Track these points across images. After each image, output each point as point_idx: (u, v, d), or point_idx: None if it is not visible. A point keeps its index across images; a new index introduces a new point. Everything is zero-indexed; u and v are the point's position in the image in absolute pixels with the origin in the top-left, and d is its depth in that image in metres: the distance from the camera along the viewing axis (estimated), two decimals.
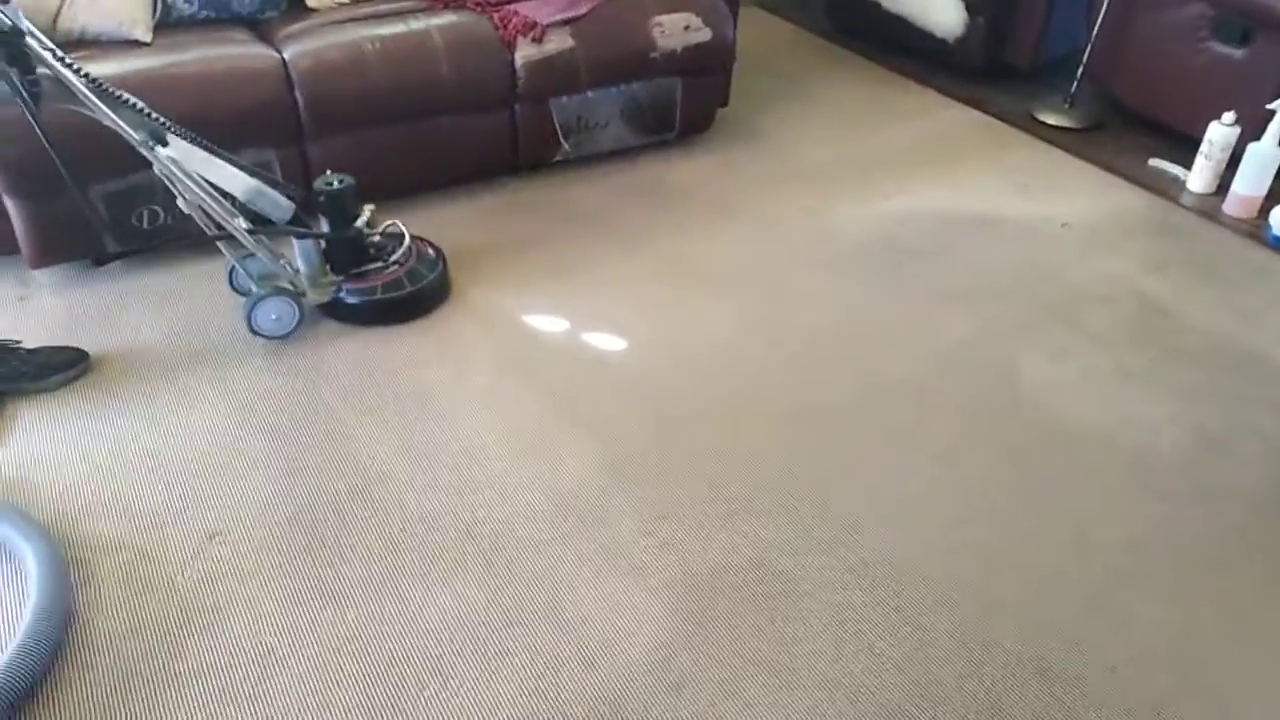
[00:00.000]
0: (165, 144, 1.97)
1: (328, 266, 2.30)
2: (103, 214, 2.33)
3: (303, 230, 2.21)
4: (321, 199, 2.23)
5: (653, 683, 1.53)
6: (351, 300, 2.29)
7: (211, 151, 2.04)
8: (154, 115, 1.96)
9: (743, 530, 1.80)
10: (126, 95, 1.93)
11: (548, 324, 2.34)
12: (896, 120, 3.38)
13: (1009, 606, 1.66)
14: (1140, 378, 2.19)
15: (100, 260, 2.48)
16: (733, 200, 2.87)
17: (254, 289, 2.22)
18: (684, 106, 3.01)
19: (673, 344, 2.28)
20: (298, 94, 2.45)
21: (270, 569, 1.71)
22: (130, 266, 2.49)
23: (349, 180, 2.25)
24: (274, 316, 2.22)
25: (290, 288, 2.25)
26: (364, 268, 2.30)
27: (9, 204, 2.27)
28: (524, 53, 2.68)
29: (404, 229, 2.38)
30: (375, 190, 2.66)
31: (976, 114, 3.40)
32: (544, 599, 1.67)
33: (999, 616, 1.65)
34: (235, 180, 2.06)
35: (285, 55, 2.47)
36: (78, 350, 2.17)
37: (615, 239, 2.67)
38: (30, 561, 1.64)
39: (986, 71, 3.52)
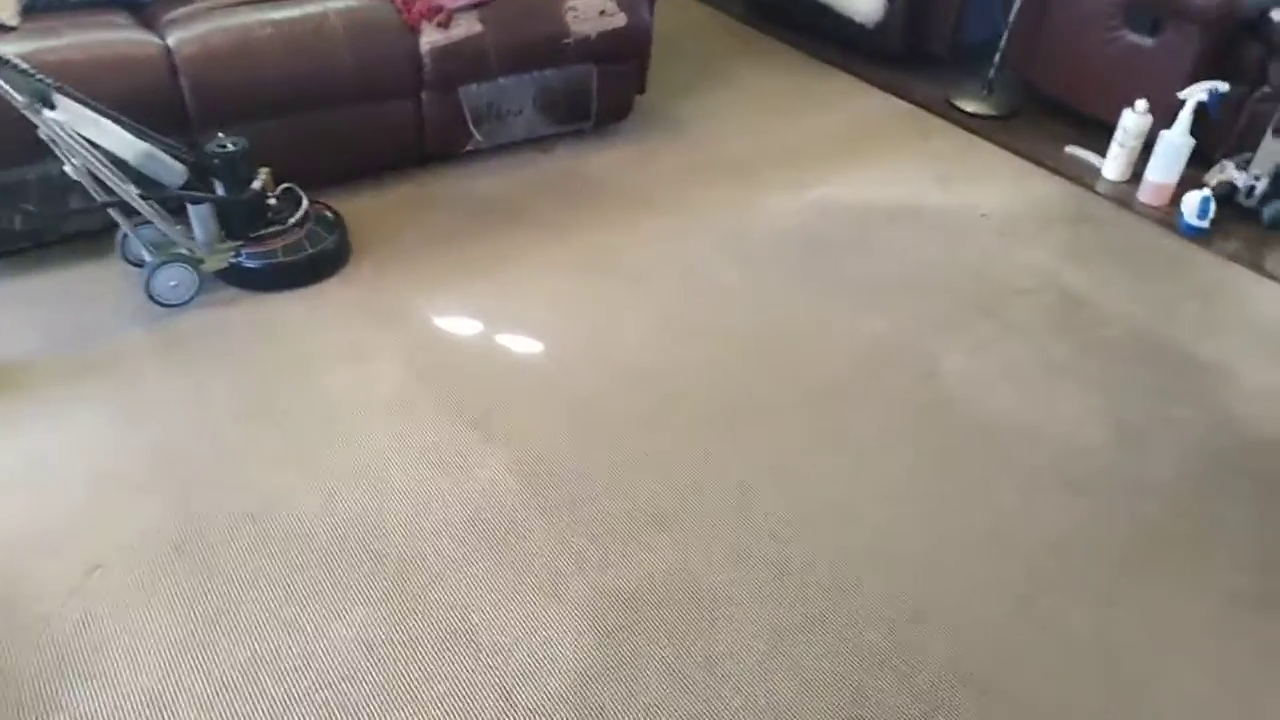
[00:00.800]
0: (52, 106, 1.89)
1: (224, 232, 2.23)
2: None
3: (197, 194, 2.14)
4: (215, 161, 2.15)
5: (572, 714, 1.45)
6: (251, 264, 2.23)
7: (101, 113, 1.95)
8: (40, 76, 1.87)
9: (663, 543, 1.73)
10: (7, 54, 1.87)
11: (458, 325, 2.23)
12: (817, 108, 3.33)
13: (937, 614, 1.63)
14: (1061, 370, 2.18)
15: None
16: (651, 192, 2.79)
17: (148, 258, 2.14)
18: (600, 94, 2.91)
19: (590, 345, 2.20)
20: (182, 83, 2.28)
21: (156, 604, 1.57)
22: (2, 270, 2.30)
23: (242, 142, 2.18)
24: (172, 284, 2.16)
25: (186, 254, 2.17)
26: (262, 231, 2.24)
27: None
28: (429, 39, 2.54)
29: (301, 191, 2.32)
30: (274, 183, 2.52)
31: (897, 101, 3.37)
32: (455, 625, 1.57)
33: (927, 625, 1.61)
34: (125, 144, 1.98)
35: (169, 41, 2.29)
36: None
37: (530, 233, 2.57)
38: None
39: (906, 58, 3.49)
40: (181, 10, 2.42)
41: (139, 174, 2.03)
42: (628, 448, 1.92)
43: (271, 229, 2.24)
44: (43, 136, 1.92)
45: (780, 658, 1.54)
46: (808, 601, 1.63)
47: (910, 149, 3.08)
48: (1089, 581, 1.71)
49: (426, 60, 2.56)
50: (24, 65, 1.86)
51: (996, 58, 3.23)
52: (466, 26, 2.58)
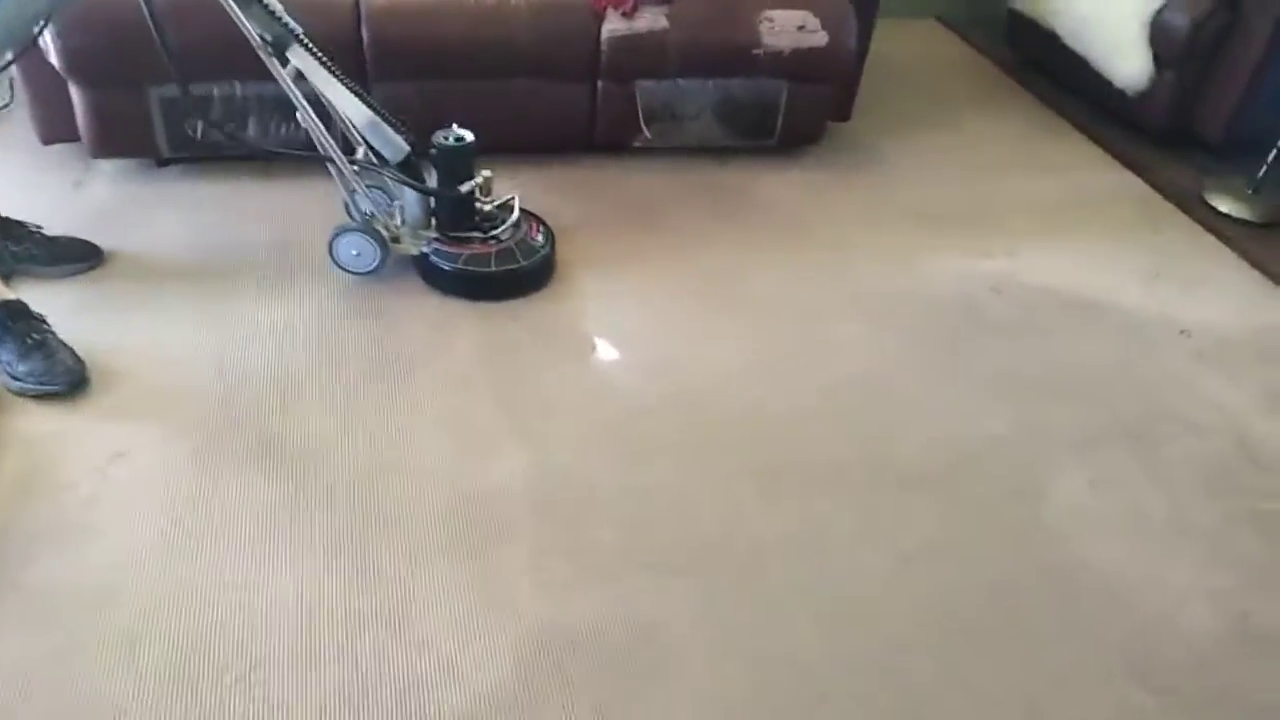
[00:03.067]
0: (284, 59, 1.89)
1: (432, 220, 2.19)
2: (160, 117, 2.37)
3: (402, 178, 2.09)
4: (434, 152, 2.12)
5: None
6: (434, 260, 2.17)
7: (334, 74, 1.95)
8: (285, 20, 1.86)
9: (644, 587, 1.58)
10: None
11: (548, 314, 2.18)
12: (1039, 170, 2.96)
13: None
14: (1194, 535, 1.78)
15: (162, 161, 2.53)
16: (813, 225, 2.60)
17: (348, 218, 2.16)
18: (787, 113, 2.74)
19: (665, 367, 2.07)
20: (364, 32, 2.39)
21: (165, 498, 1.66)
22: (190, 173, 2.52)
23: (468, 139, 2.13)
24: (354, 253, 2.14)
25: (382, 229, 2.14)
26: (464, 233, 2.17)
27: (72, 91, 2.33)
28: (611, 26, 2.50)
29: (518, 206, 2.25)
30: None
31: (1135, 181, 2.93)
32: (395, 607, 1.53)
33: None
34: (353, 108, 1.99)
35: None
36: (93, 246, 2.20)
37: (663, 240, 2.47)
38: None
39: (1164, 135, 3.02)
40: None
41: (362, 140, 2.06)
42: (657, 478, 1.79)
43: (474, 234, 2.18)
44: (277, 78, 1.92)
45: None
46: (775, 692, 1.43)
47: (1130, 237, 2.66)
48: None
49: (605, 48, 2.52)
50: (275, 6, 1.85)
51: (1272, 155, 2.72)
52: (651, 20, 2.51)
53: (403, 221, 2.18)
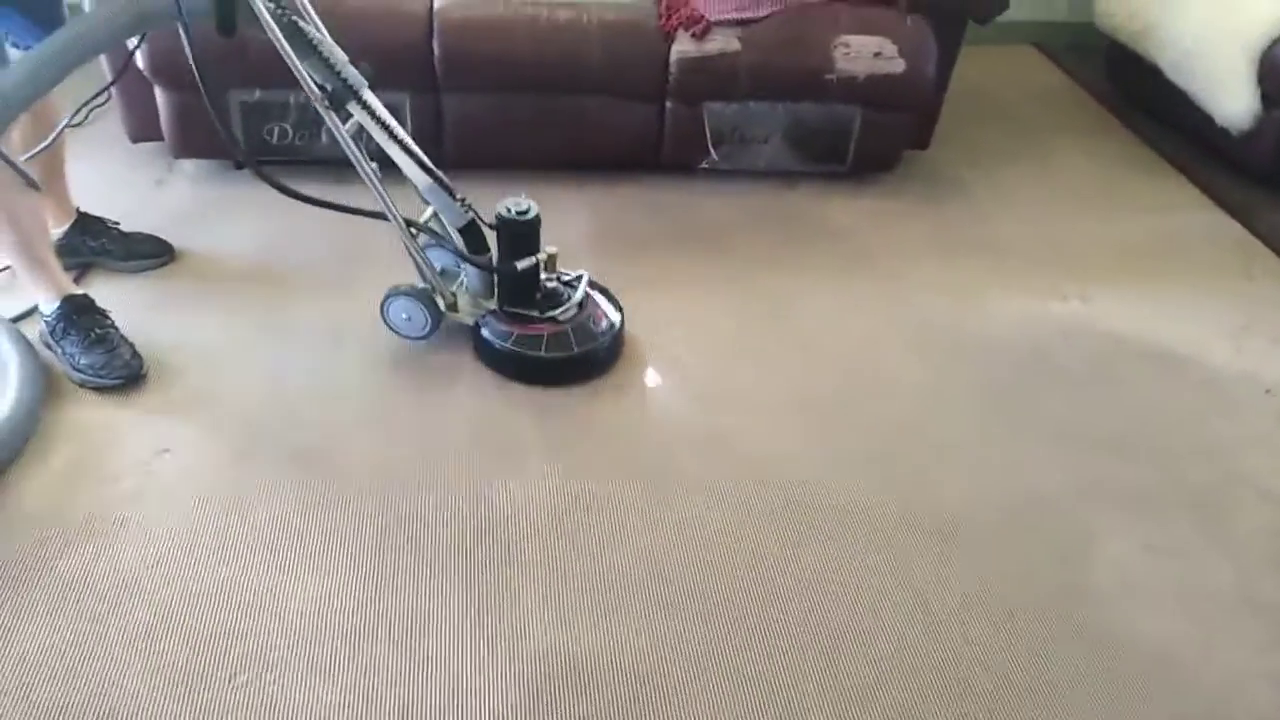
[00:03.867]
0: (342, 111, 1.74)
1: (494, 291, 2.04)
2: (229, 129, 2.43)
3: (456, 247, 1.94)
4: (495, 223, 1.96)
5: None
6: (484, 333, 2.02)
7: (395, 138, 1.80)
8: (346, 78, 1.71)
9: (655, 629, 1.55)
10: (320, 39, 1.68)
11: None
12: (1130, 211, 2.82)
13: None
14: (1259, 611, 1.66)
15: (239, 164, 2.62)
16: (878, 255, 2.52)
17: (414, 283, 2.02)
18: (860, 140, 2.67)
19: (715, 396, 2.03)
20: (435, 45, 2.42)
21: (201, 498, 1.71)
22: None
23: (533, 212, 1.94)
24: (405, 316, 2.04)
25: (439, 296, 2.02)
26: (522, 310, 2.01)
27: (157, 93, 2.43)
28: (681, 48, 2.48)
29: (585, 289, 2.06)
30: (506, 157, 2.62)
31: (1233, 225, 2.75)
32: (408, 623, 1.53)
33: None
34: (412, 169, 1.84)
35: (435, 4, 2.44)
36: (165, 244, 2.29)
37: (726, 264, 2.44)
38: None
39: (1268, 177, 2.84)
40: None
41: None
42: (685, 513, 1.75)
43: (530, 312, 2.00)
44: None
45: None
46: None
47: (1221, 286, 2.51)
48: None
49: (673, 69, 2.50)
50: (337, 58, 1.71)
51: None
52: (723, 42, 2.48)
53: (465, 287, 2.08)
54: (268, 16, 1.58)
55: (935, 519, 1.78)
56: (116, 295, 2.11)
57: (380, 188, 1.82)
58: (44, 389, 1.86)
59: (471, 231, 1.94)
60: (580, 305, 2.04)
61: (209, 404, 1.92)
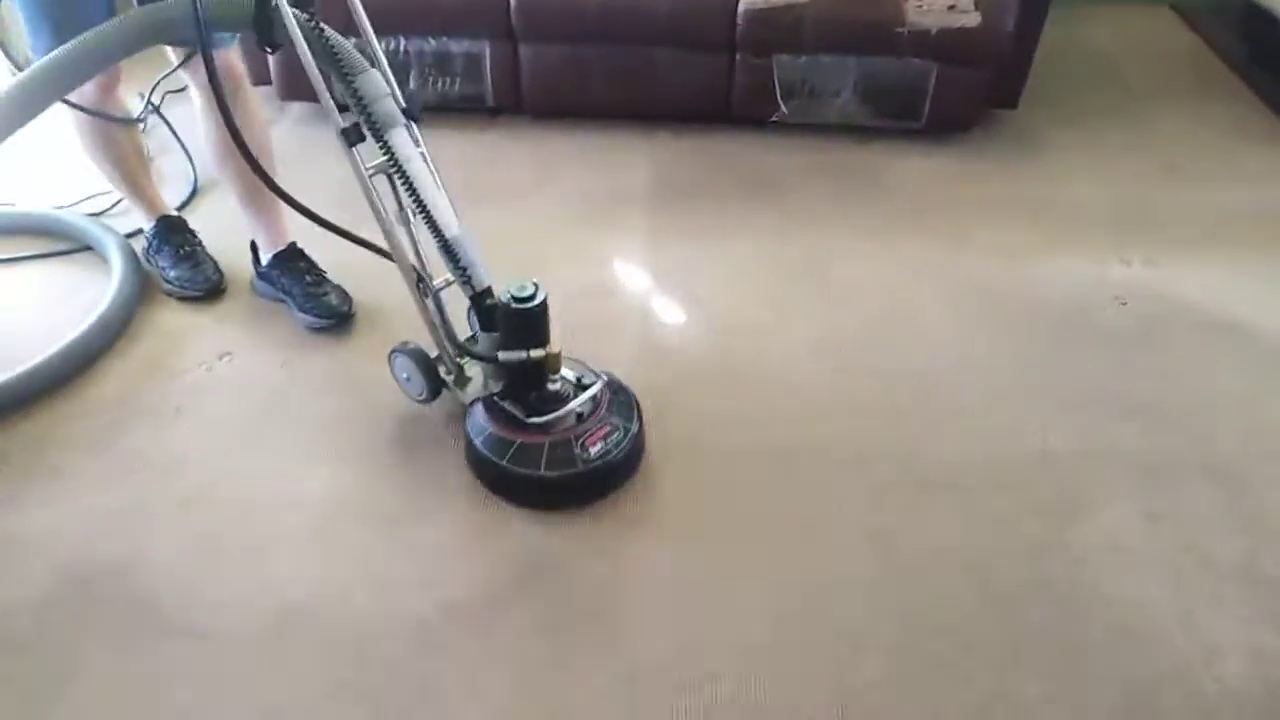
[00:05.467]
0: (383, 135, 1.56)
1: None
2: None
3: (450, 335, 1.73)
4: (489, 303, 1.67)
5: None
6: (466, 419, 1.73)
7: (413, 190, 1.61)
8: (371, 112, 1.53)
9: (639, 538, 1.65)
10: (353, 65, 1.52)
11: (629, 271, 2.27)
12: (1228, 179, 2.65)
13: None
14: (1258, 586, 1.58)
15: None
16: (941, 214, 2.49)
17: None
18: (936, 96, 2.63)
19: (734, 333, 2.09)
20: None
21: (251, 395, 1.93)
22: None
23: (540, 299, 1.60)
24: (404, 375, 1.85)
25: (443, 367, 1.80)
26: (510, 407, 1.70)
27: None
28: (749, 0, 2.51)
29: (594, 397, 1.70)
30: (580, 106, 2.72)
31: None
32: (405, 513, 1.69)
33: None
34: (445, 214, 1.63)
35: None
36: (346, 298, 2.14)
37: (775, 216, 2.47)
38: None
39: None
40: None
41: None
42: (671, 442, 1.83)
43: (517, 412, 1.68)
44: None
45: None
46: None
47: None
48: None
49: (740, 21, 2.53)
50: (367, 91, 1.54)
51: None
52: None
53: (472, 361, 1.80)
54: (299, 35, 1.47)
55: (924, 468, 1.79)
56: (208, 218, 2.37)
57: (406, 241, 1.67)
58: (137, 295, 2.13)
59: (487, 300, 1.68)
60: (580, 417, 1.69)
61: (270, 318, 2.14)
